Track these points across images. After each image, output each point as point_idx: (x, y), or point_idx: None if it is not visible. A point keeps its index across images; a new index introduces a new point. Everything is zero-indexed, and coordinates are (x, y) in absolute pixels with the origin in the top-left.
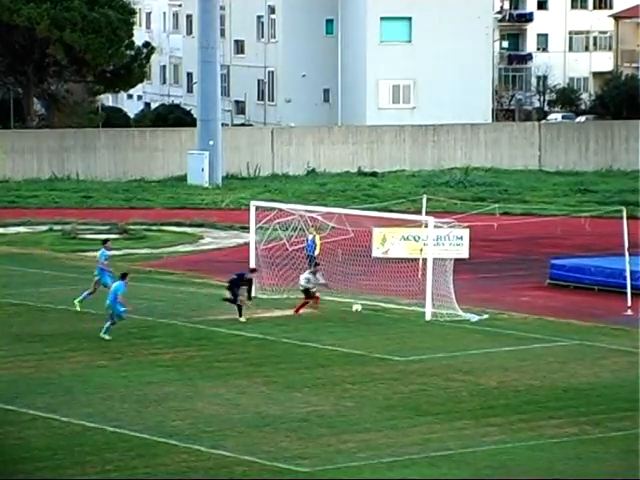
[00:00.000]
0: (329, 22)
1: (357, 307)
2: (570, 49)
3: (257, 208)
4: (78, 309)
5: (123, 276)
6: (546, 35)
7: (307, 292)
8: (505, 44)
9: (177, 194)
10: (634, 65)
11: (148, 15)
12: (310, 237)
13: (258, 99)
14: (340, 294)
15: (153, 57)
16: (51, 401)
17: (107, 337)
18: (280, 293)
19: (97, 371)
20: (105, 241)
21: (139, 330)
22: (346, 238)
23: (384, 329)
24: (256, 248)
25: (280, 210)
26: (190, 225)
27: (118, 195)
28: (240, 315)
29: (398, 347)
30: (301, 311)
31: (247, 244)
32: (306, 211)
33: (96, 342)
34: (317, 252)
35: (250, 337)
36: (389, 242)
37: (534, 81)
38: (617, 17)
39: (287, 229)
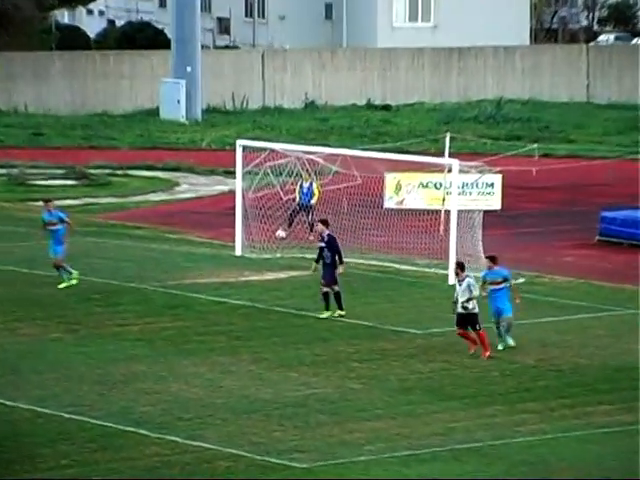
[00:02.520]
0: None
1: (280, 233)
2: None
3: (244, 148)
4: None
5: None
6: None
7: None
8: None
9: (147, 131)
10: None
11: None
12: (306, 184)
13: (246, 16)
14: (344, 252)
15: None
16: None
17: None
18: (272, 252)
19: (50, 346)
20: (46, 200)
21: (101, 296)
22: (353, 185)
23: (398, 295)
24: (243, 197)
25: (272, 151)
26: (163, 169)
27: (76, 132)
28: (340, 308)
29: (415, 317)
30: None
31: (232, 192)
32: (304, 152)
33: (49, 311)
34: (314, 201)
35: (236, 305)
36: (404, 190)
37: None
38: None
39: (281, 174)
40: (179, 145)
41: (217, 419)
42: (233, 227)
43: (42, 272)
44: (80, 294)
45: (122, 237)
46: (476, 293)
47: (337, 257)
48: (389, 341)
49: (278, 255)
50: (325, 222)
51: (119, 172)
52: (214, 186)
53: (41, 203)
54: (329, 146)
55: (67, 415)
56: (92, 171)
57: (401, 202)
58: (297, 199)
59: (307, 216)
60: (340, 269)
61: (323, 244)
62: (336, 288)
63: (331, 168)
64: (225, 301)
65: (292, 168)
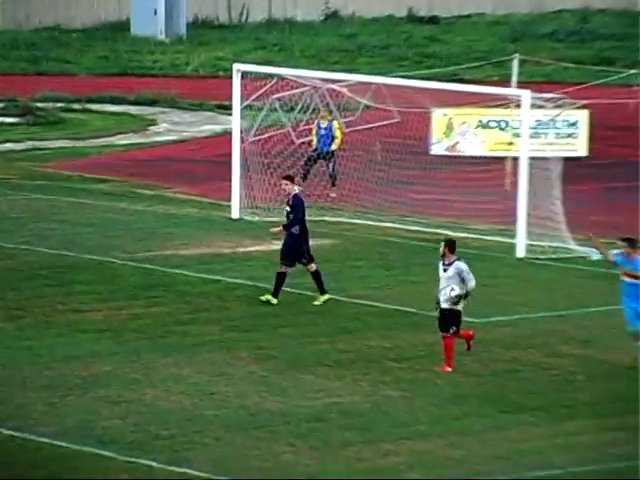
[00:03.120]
0: None
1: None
2: None
3: (244, 75)
4: None
5: None
6: None
7: None
8: None
9: (114, 52)
10: None
11: None
12: (325, 123)
13: None
14: (377, 215)
15: None
16: None
17: None
18: (281, 214)
19: None
20: None
21: (52, 273)
22: (388, 125)
23: None
24: (242, 141)
25: (281, 79)
26: (135, 103)
27: (18, 53)
28: None
29: (472, 301)
30: None
31: (228, 134)
32: (323, 80)
33: None
34: (335, 146)
35: (232, 284)
36: (458, 131)
37: None
38: None
39: (292, 110)
40: (156, 71)
41: (207, 437)
42: (228, 181)
43: None
44: (24, 270)
45: (80, 194)
46: (472, 284)
47: (292, 220)
48: (437, 333)
49: None
50: (290, 178)
51: (75, 106)
52: (203, 125)
53: None
54: (357, 72)
55: (5, 431)
56: (39, 105)
57: (453, 147)
58: (313, 143)
59: (327, 166)
60: (274, 229)
61: (289, 208)
62: (313, 267)
63: (360, 102)
64: (218, 279)
65: (307, 102)
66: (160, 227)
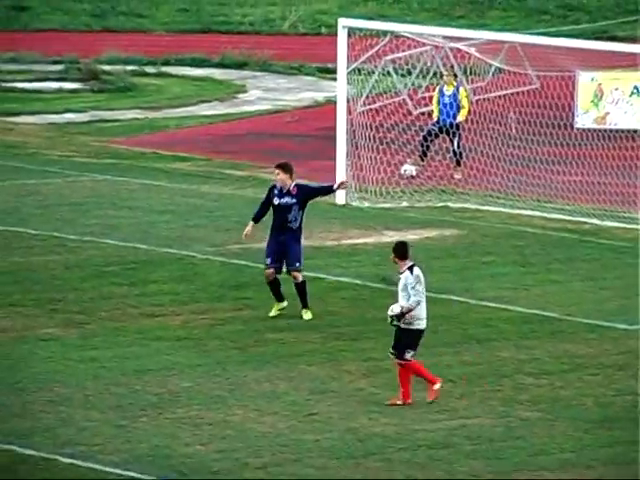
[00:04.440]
0: None
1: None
2: None
3: (352, 32)
4: None
5: None
6: None
7: None
8: None
9: (195, 4)
10: None
11: None
12: (450, 90)
13: None
14: (511, 201)
15: None
16: None
17: None
18: (394, 199)
19: (40, 348)
20: None
21: (122, 269)
22: (525, 92)
23: (596, 269)
24: (349, 112)
25: (396, 37)
26: (220, 65)
27: (80, 5)
28: None
29: (626, 304)
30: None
31: (332, 103)
32: (446, 38)
33: (39, 292)
34: (461, 118)
35: (336, 283)
36: (609, 100)
37: None
38: None
39: (409, 74)
40: (246, 27)
41: (306, 466)
42: (333, 159)
43: (27, 230)
44: (87, 266)
45: (155, 175)
46: (414, 300)
47: (325, 191)
48: (583, 342)
49: (404, 204)
50: (286, 167)
51: (149, 70)
52: (301, 93)
53: (27, 118)
54: (487, 28)
55: (65, 460)
56: (106, 68)
57: (603, 119)
58: (435, 115)
59: (451, 141)
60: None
61: (291, 199)
62: (300, 277)
63: (491, 64)
64: (319, 277)
65: (427, 65)
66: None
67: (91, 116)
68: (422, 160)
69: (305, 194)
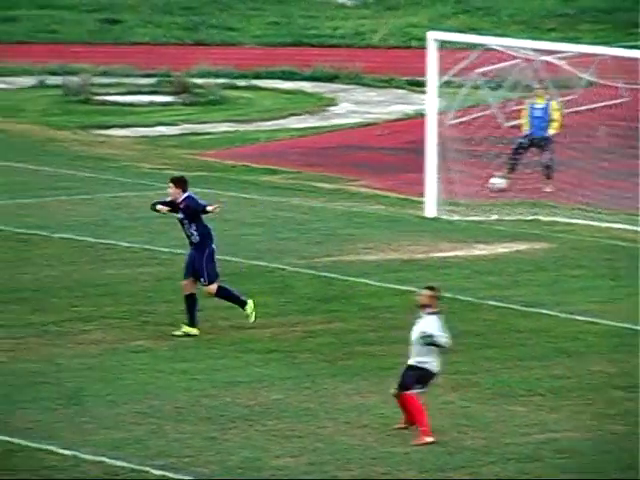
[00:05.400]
0: None
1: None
2: None
3: (442, 45)
4: None
5: None
6: None
7: None
8: None
9: (287, 18)
10: None
11: None
12: (540, 104)
13: None
14: (602, 214)
15: None
16: (43, 417)
17: None
18: (484, 211)
19: (131, 360)
20: None
21: None
22: (616, 105)
23: None
24: (439, 124)
25: (487, 49)
26: (311, 79)
27: (172, 19)
28: None
29: None
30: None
31: (421, 116)
32: (537, 51)
33: (129, 303)
34: (553, 131)
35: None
36: None
37: None
38: None
39: (499, 87)
40: (337, 40)
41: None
42: (422, 172)
43: (119, 242)
44: (179, 279)
45: (245, 187)
46: (448, 341)
47: (200, 211)
48: None
49: (494, 217)
50: (179, 181)
51: (240, 83)
52: (391, 106)
53: (118, 131)
54: (578, 42)
55: (156, 471)
56: (197, 81)
57: None
58: (525, 128)
59: (541, 155)
60: (210, 208)
61: (181, 215)
62: (213, 288)
63: (581, 78)
64: (409, 290)
65: (518, 78)
66: (340, 228)
67: (182, 129)
68: (511, 173)
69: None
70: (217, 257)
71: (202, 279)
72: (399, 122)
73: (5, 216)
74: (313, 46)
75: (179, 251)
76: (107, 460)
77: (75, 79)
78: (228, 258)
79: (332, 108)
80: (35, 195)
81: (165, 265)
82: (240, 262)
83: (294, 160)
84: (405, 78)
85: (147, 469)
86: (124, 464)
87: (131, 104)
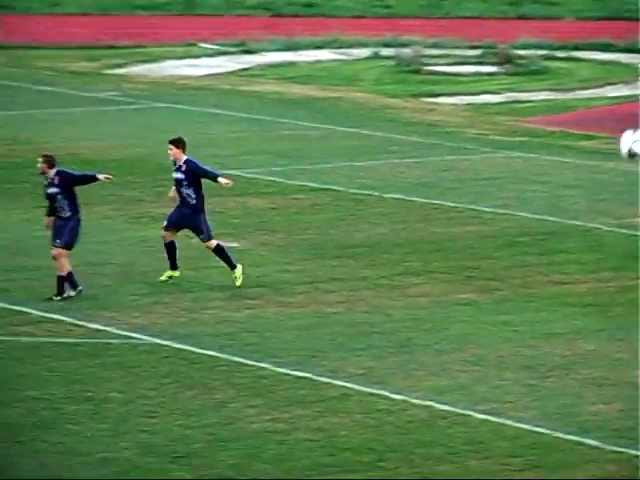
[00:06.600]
0: None
1: None
2: None
3: None
4: None
5: None
6: None
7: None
8: None
9: None
10: None
11: None
12: None
13: None
14: None
15: None
16: (375, 365)
17: None
18: None
19: (456, 312)
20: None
21: (533, 240)
22: None
23: None
24: None
25: None
26: (627, 50)
27: None
28: None
29: None
30: None
31: None
32: None
33: (455, 259)
34: None
35: None
36: None
37: None
38: None
39: None
40: None
41: None
42: None
43: (446, 202)
44: (501, 236)
45: (563, 151)
46: None
47: (209, 177)
48: None
49: None
50: (179, 142)
51: (560, 54)
52: None
53: (445, 99)
54: None
55: (479, 415)
56: (520, 52)
57: None
58: None
59: None
60: (224, 180)
61: (181, 175)
62: (212, 243)
63: None
64: None
65: None
66: None
67: (506, 97)
68: None
69: (193, 171)
70: (534, 216)
71: (203, 236)
72: None
73: (342, 177)
74: (629, 20)
75: (501, 211)
76: (434, 404)
77: (407, 50)
78: (547, 218)
79: None
80: (369, 158)
81: (488, 224)
82: (559, 221)
83: (609, 127)
84: None
85: (471, 413)
86: (450, 408)
87: (458, 74)
